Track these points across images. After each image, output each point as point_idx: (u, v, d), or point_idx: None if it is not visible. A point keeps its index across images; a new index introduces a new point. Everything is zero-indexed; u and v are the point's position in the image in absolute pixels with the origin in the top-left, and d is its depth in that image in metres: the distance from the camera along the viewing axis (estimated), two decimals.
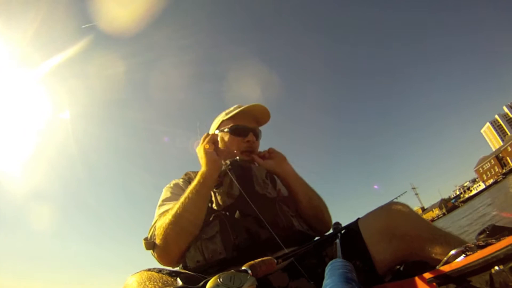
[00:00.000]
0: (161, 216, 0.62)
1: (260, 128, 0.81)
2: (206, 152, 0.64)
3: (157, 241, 0.59)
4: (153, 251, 0.61)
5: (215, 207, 0.65)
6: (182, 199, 0.60)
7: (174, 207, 0.59)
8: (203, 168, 0.63)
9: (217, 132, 0.78)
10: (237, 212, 0.62)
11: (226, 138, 0.75)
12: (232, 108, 0.79)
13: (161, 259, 0.61)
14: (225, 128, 0.76)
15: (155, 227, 0.62)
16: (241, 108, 0.76)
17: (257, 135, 0.77)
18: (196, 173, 0.72)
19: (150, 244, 0.61)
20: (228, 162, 0.70)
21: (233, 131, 0.75)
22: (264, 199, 0.65)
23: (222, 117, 0.79)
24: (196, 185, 0.61)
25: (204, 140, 0.68)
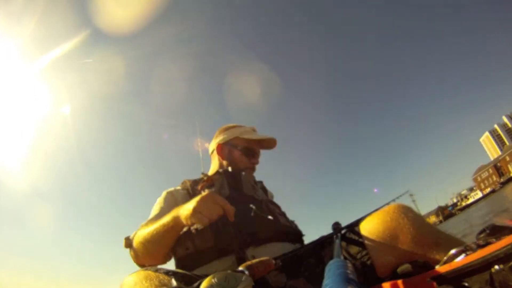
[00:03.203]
0: (143, 227, 0.64)
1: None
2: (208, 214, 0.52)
3: (134, 245, 0.63)
4: (130, 251, 0.65)
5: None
6: (156, 226, 0.59)
7: (150, 228, 0.60)
8: (188, 215, 0.53)
9: (227, 144, 0.84)
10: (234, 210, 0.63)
11: (237, 155, 0.83)
12: (247, 128, 0.87)
13: (134, 259, 0.65)
14: (238, 146, 0.83)
15: (136, 233, 0.65)
16: (260, 137, 0.85)
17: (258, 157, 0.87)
18: (192, 181, 0.77)
19: (128, 244, 0.64)
20: (220, 170, 0.78)
21: (246, 152, 0.83)
22: (252, 199, 0.69)
23: (235, 133, 0.85)
24: (169, 224, 0.58)
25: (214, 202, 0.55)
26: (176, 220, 0.56)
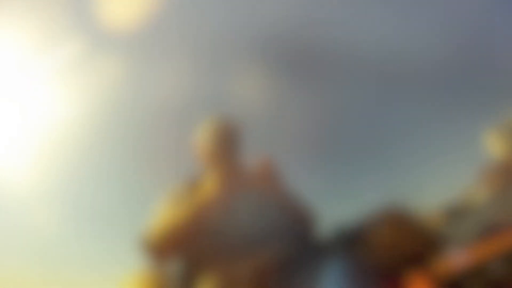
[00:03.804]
0: None
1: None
2: None
3: None
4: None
5: (209, 208, 0.67)
6: None
7: None
8: None
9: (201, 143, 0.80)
10: (230, 212, 0.64)
11: (206, 151, 0.76)
12: (209, 123, 0.80)
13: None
14: (204, 141, 0.77)
15: None
16: (215, 124, 0.78)
17: (233, 146, 0.78)
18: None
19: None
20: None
21: (211, 145, 0.75)
22: (254, 202, 0.68)
23: (203, 131, 0.80)
24: None
25: None
26: None
